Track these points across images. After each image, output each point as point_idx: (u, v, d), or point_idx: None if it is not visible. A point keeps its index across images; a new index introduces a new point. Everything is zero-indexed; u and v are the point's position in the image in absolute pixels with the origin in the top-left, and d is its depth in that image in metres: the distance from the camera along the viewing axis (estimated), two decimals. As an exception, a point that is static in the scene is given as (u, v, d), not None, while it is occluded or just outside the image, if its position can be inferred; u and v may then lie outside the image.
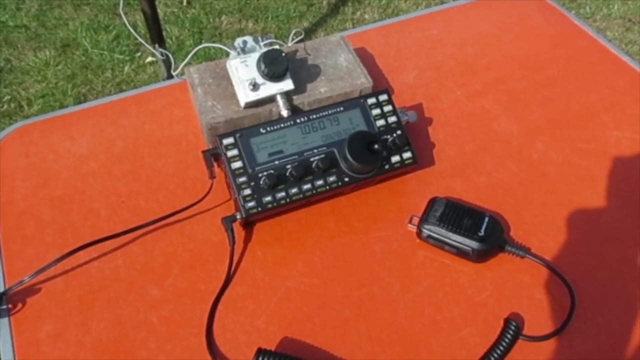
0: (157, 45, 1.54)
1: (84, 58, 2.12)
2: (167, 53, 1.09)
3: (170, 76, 0.86)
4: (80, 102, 1.94)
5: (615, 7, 2.41)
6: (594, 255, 0.68)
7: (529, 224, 0.70)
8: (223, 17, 2.31)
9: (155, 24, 1.53)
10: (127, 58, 2.13)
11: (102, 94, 2.00)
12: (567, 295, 0.64)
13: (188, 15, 2.31)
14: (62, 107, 1.93)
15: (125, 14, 2.23)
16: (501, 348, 0.58)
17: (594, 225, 0.71)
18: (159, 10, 2.15)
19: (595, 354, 0.60)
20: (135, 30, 2.10)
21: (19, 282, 0.63)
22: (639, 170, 0.76)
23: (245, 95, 0.72)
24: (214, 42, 2.19)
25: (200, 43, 2.17)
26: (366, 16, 2.35)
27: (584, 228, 0.70)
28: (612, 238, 0.69)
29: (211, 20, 2.30)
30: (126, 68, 2.09)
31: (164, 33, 1.69)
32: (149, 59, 2.11)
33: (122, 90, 2.00)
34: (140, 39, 1.00)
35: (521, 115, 0.83)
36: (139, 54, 2.15)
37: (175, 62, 0.88)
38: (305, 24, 2.31)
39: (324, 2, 2.40)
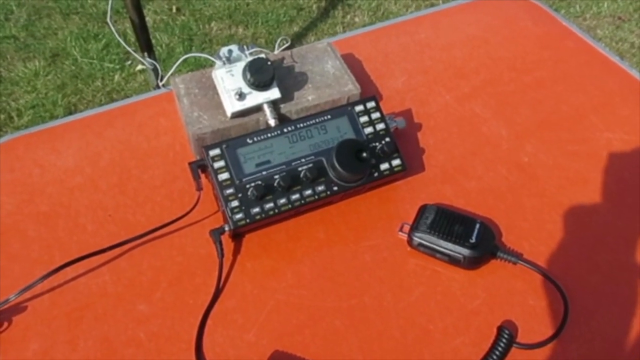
0: (145, 54, 1.53)
1: (73, 67, 2.11)
2: (155, 63, 1.08)
3: (158, 86, 0.85)
4: (70, 112, 1.93)
5: (605, 5, 2.42)
6: (586, 259, 0.67)
7: (520, 228, 0.70)
8: (213, 24, 2.30)
9: (143, 33, 1.52)
10: (117, 66, 2.12)
11: (92, 103, 1.99)
12: (560, 301, 0.63)
13: (178, 22, 2.30)
14: (52, 117, 1.92)
15: (115, 22, 2.23)
16: (494, 357, 0.58)
17: (585, 229, 0.70)
18: (148, 18, 2.15)
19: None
20: (124, 38, 2.09)
21: (4, 301, 0.62)
22: (630, 172, 0.76)
23: (231, 105, 0.71)
24: (203, 49, 2.18)
25: (191, 50, 2.16)
26: (356, 19, 2.34)
27: (575, 231, 0.70)
28: (604, 241, 0.69)
29: (201, 26, 2.29)
30: (116, 77, 2.08)
31: (153, 40, 1.68)
32: (139, 67, 2.10)
33: (112, 99, 1.99)
34: (128, 49, 0.99)
35: (510, 118, 0.82)
36: (129, 62, 2.14)
37: (162, 71, 0.87)
38: (296, 28, 2.30)
39: (314, 7, 2.39)
